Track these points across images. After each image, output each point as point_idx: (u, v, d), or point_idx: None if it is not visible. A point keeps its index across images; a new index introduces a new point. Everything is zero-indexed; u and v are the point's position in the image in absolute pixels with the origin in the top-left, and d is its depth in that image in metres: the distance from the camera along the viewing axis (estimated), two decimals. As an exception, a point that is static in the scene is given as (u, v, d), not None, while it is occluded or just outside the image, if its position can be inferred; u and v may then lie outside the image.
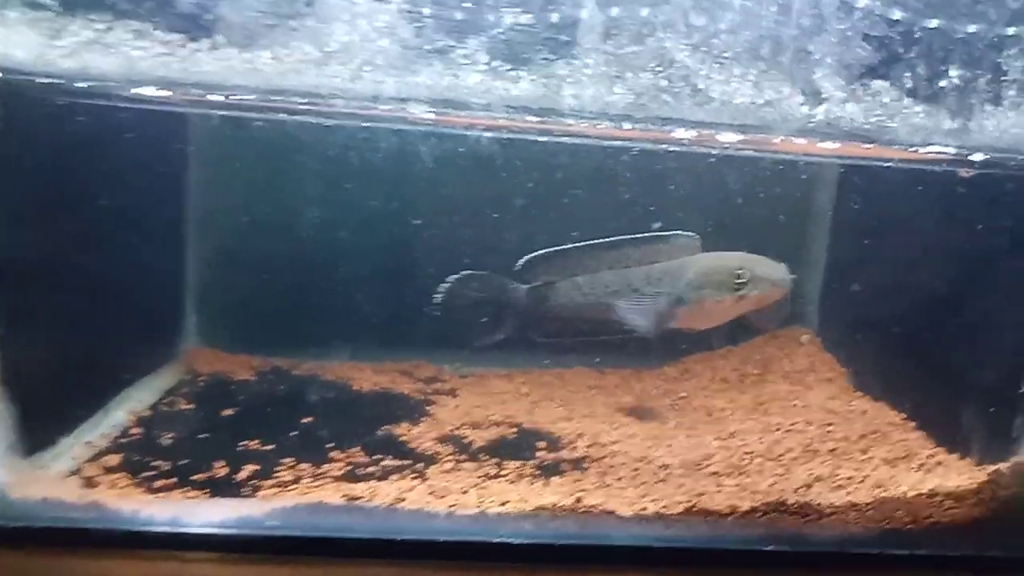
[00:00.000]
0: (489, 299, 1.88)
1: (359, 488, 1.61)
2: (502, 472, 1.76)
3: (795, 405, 2.19)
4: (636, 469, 1.80)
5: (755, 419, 2.11)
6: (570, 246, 1.83)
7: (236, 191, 2.34)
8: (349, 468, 1.74)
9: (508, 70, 1.49)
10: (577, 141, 1.63)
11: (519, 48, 1.48)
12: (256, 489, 1.62)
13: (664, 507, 1.60)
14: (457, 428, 2.01)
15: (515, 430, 2.03)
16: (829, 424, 2.04)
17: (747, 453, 1.88)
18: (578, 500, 1.60)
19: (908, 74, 1.55)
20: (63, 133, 1.68)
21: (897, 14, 1.51)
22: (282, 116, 1.59)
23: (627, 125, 1.53)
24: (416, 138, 1.78)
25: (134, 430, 1.89)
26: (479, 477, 1.73)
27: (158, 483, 1.61)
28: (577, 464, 1.83)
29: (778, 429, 2.02)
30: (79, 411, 1.85)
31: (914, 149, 1.59)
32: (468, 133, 1.66)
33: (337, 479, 1.68)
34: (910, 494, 1.66)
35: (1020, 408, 1.71)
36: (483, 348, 1.92)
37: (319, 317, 2.34)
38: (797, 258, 2.48)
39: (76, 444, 1.76)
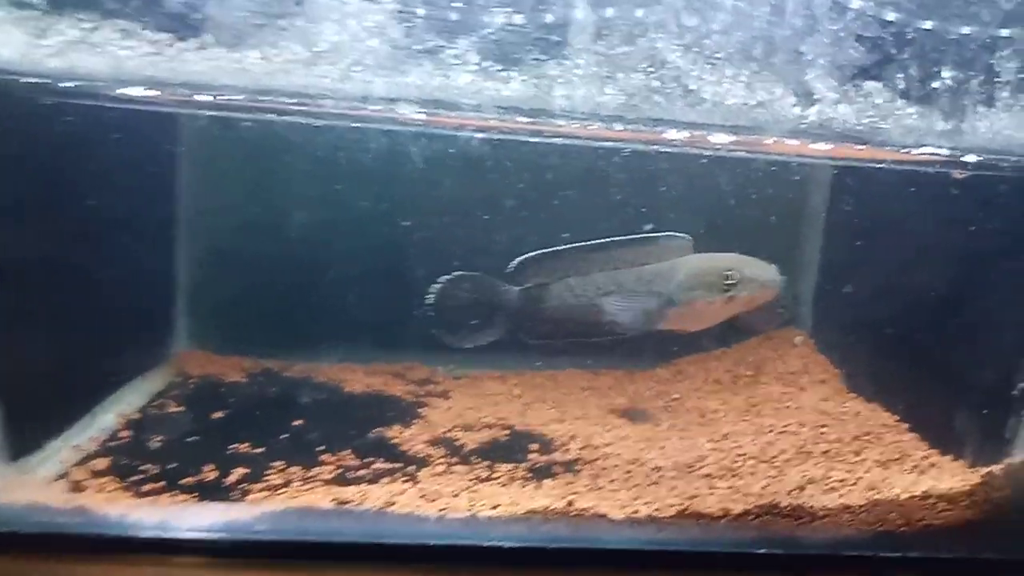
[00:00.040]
0: (481, 301, 1.87)
1: (349, 491, 1.60)
2: (494, 475, 1.75)
3: (788, 407, 2.19)
4: (628, 471, 1.79)
5: (748, 421, 2.11)
6: (562, 248, 1.82)
7: (226, 192, 2.32)
8: (339, 471, 1.73)
9: (499, 70, 1.48)
10: (568, 142, 1.62)
11: (510, 48, 1.47)
12: (245, 493, 1.61)
13: (656, 510, 1.60)
14: (449, 430, 2.00)
15: (507, 432, 2.03)
16: (822, 426, 2.03)
17: (740, 455, 1.87)
18: (570, 503, 1.59)
19: (901, 75, 1.55)
20: (50, 133, 1.66)
21: (890, 15, 1.51)
22: (271, 116, 1.57)
23: (618, 126, 1.53)
24: (407, 139, 1.77)
25: (123, 433, 1.87)
26: (470, 480, 1.72)
27: (146, 487, 1.60)
28: (569, 466, 1.83)
29: (771, 431, 2.02)
30: (67, 414, 1.84)
31: (907, 151, 1.59)
32: (459, 134, 1.65)
33: (327, 482, 1.67)
34: (903, 496, 1.65)
35: (1013, 409, 1.71)
36: (474, 350, 1.91)
37: (310, 319, 2.32)
38: (790, 259, 2.49)
39: (64, 448, 1.75)
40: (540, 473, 1.78)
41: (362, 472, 1.73)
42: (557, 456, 1.88)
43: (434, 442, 1.92)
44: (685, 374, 2.47)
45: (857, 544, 1.58)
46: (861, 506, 1.62)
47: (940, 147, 1.58)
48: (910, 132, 1.57)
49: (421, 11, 1.45)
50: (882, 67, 1.54)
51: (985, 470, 1.69)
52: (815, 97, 1.53)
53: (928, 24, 1.52)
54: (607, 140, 1.65)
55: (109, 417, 1.94)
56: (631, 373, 2.48)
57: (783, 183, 2.01)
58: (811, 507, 1.62)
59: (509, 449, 1.92)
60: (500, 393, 2.31)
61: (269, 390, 2.25)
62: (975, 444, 1.80)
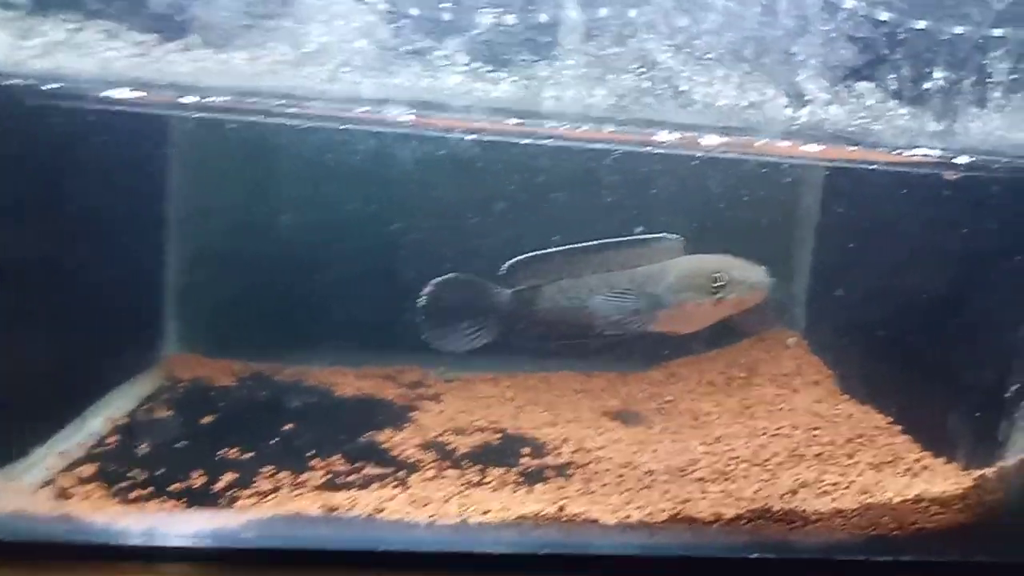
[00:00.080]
0: (473, 303, 1.86)
1: (339, 498, 1.58)
2: (485, 479, 1.74)
3: (781, 409, 2.18)
4: (621, 475, 1.78)
5: (741, 423, 2.10)
6: (554, 250, 1.81)
7: (216, 195, 2.31)
8: (329, 476, 1.71)
9: (488, 71, 1.47)
10: (559, 144, 1.61)
11: (499, 49, 1.46)
12: (234, 499, 1.59)
13: (648, 515, 1.59)
14: (440, 434, 1.99)
15: (499, 436, 2.01)
16: (815, 428, 2.02)
17: (733, 458, 1.86)
18: (561, 508, 1.57)
19: (893, 76, 1.54)
20: (35, 135, 1.65)
21: (882, 15, 1.50)
22: (259, 118, 1.56)
23: (609, 127, 1.51)
24: (397, 140, 1.76)
25: (111, 439, 1.85)
26: (462, 485, 1.70)
27: (134, 494, 1.58)
28: (561, 471, 1.81)
29: (764, 433, 2.01)
30: (54, 420, 1.82)
31: (899, 152, 1.58)
32: (448, 136, 1.63)
33: (317, 488, 1.65)
34: (896, 500, 1.64)
35: (1006, 412, 1.70)
36: (466, 352, 1.90)
37: (301, 321, 2.31)
38: (783, 261, 2.48)
39: (50, 454, 1.73)
40: (532, 477, 1.77)
41: (352, 477, 1.72)
42: (549, 460, 1.87)
43: (425, 446, 1.91)
44: (678, 376, 2.46)
45: (850, 548, 1.58)
46: (854, 510, 1.62)
47: (932, 148, 1.57)
48: (902, 133, 1.56)
49: (410, 12, 1.44)
50: (874, 68, 1.53)
51: (978, 473, 1.69)
52: (807, 98, 1.52)
53: (920, 24, 1.52)
54: (598, 141, 1.64)
55: (97, 422, 1.92)
56: (624, 375, 2.47)
57: (775, 184, 2.00)
58: (804, 511, 1.61)
59: (501, 453, 1.91)
60: (492, 396, 2.29)
61: (259, 394, 2.24)
62: (968, 447, 1.80)
